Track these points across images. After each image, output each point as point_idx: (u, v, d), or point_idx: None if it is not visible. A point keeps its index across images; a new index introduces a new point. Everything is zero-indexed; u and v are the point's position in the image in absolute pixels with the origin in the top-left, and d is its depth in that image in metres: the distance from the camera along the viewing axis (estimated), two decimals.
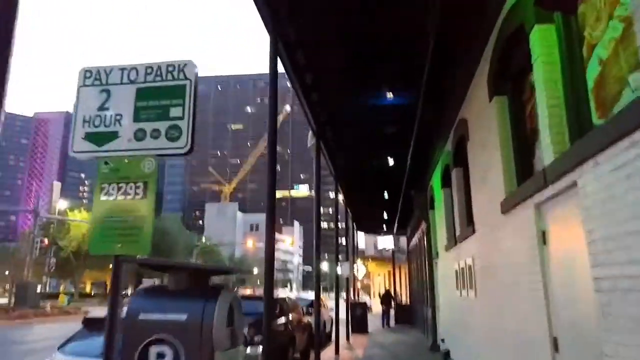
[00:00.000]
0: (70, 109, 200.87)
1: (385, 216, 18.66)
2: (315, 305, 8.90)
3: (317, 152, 9.63)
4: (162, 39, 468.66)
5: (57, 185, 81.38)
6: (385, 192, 14.96)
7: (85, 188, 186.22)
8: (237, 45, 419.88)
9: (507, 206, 4.99)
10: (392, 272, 28.38)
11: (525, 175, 4.75)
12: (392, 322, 23.37)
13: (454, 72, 7.04)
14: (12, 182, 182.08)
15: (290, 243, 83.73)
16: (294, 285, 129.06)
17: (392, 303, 24.43)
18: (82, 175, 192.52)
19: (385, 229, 25.69)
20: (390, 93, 7.87)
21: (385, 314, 22.98)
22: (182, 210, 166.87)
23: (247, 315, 4.86)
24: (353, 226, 22.88)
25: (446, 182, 9.99)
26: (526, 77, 4.74)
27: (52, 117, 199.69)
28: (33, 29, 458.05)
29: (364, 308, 20.45)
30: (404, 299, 27.98)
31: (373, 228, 27.33)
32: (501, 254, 5.40)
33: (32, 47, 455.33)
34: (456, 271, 8.67)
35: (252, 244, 70.24)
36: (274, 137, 5.66)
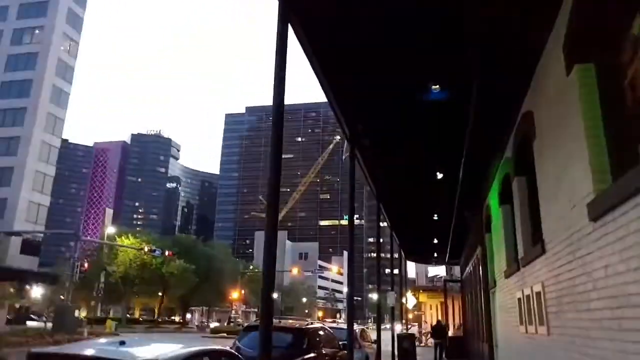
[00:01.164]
0: (128, 139, 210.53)
1: (436, 242, 17.08)
2: (348, 340, 7.59)
3: (351, 163, 8.44)
4: (213, 67, 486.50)
5: (109, 212, 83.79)
6: (435, 215, 13.48)
7: (139, 216, 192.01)
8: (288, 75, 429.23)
9: (599, 209, 3.62)
10: (444, 303, 26.39)
11: (626, 166, 3.39)
12: (443, 357, 21.44)
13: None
14: (73, 209, 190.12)
15: (336, 271, 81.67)
16: (343, 315, 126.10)
17: (445, 335, 22.52)
18: (137, 204, 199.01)
19: (436, 258, 23.93)
20: (437, 86, 6.58)
21: (437, 348, 21.10)
22: (232, 238, 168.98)
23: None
24: (401, 254, 21.38)
25: (505, 198, 8.54)
26: (625, 32, 3.44)
27: (111, 146, 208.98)
28: (91, 61, 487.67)
29: (412, 340, 18.73)
30: (456, 331, 25.98)
31: (423, 257, 25.61)
32: (590, 276, 3.97)
33: (93, 78, 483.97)
34: (519, 301, 7.15)
35: (297, 272, 69.12)
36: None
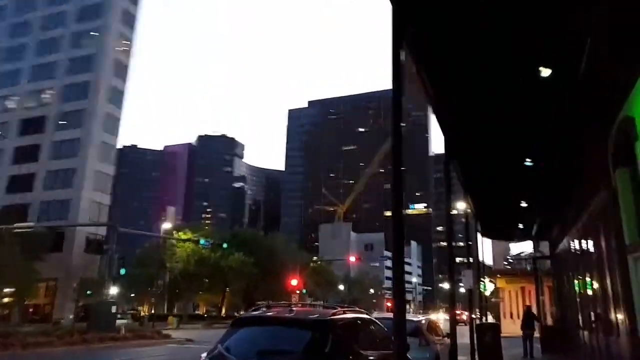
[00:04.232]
0: (194, 141, 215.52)
1: (524, 205, 13.13)
2: (397, 336, 4.05)
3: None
4: (272, 62, 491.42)
5: (170, 209, 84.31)
6: (528, 159, 9.67)
7: (208, 215, 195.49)
8: (346, 65, 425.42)
9: None
10: (535, 286, 21.87)
11: None
12: (535, 352, 17.33)
13: None
14: (147, 212, 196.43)
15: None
16: (412, 306, 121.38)
17: (536, 325, 18.31)
18: (205, 204, 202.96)
19: (520, 232, 19.61)
20: None
21: (527, 340, 17.01)
22: (299, 232, 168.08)
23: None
24: (476, 226, 17.46)
25: None
26: None
27: (178, 149, 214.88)
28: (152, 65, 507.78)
29: (496, 331, 14.80)
30: (549, 320, 21.59)
31: (503, 232, 21.35)
32: None
33: (154, 80, 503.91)
34: None
35: (355, 260, 65.96)
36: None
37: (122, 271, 32.72)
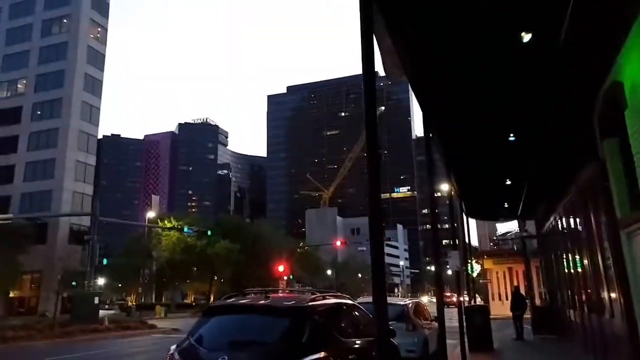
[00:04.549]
0: (176, 130, 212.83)
1: (509, 183, 12.89)
2: (379, 321, 3.70)
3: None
4: (252, 50, 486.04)
5: (155, 198, 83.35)
6: (512, 135, 9.35)
7: (193, 203, 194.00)
8: (325, 50, 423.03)
9: None
10: (525, 266, 21.76)
11: None
12: (526, 333, 17.30)
13: None
14: (131, 202, 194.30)
15: (385, 239, 77.76)
16: (400, 290, 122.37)
17: (526, 306, 18.27)
18: (190, 192, 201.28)
19: (505, 212, 19.48)
20: None
21: (517, 322, 16.97)
22: (285, 218, 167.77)
23: None
24: (461, 207, 17.25)
25: None
26: None
27: (159, 138, 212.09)
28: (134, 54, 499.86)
29: (485, 314, 14.66)
30: (537, 300, 21.61)
31: (489, 213, 21.24)
32: None
33: (135, 70, 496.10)
34: None
35: (341, 244, 66.16)
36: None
37: (105, 261, 32.10)
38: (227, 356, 4.43)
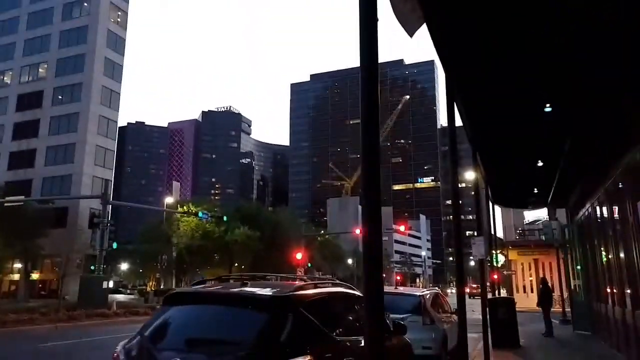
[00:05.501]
0: (199, 118, 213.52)
1: (541, 164, 11.55)
2: (369, 315, 2.64)
3: None
4: (276, 38, 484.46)
5: (176, 185, 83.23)
6: (548, 105, 8.04)
7: (216, 191, 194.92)
8: (349, 38, 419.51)
9: None
10: (557, 257, 20.26)
11: None
12: (558, 329, 16.02)
13: None
14: (155, 189, 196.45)
15: (403, 230, 74.88)
16: (421, 280, 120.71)
17: (553, 299, 16.99)
18: (213, 180, 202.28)
19: (534, 198, 18.05)
20: None
21: (547, 316, 15.72)
22: (307, 207, 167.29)
23: None
24: (487, 192, 15.94)
25: None
26: None
27: (183, 125, 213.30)
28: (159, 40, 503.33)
29: (511, 306, 13.42)
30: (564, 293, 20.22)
31: (516, 200, 19.80)
32: None
33: (162, 60, 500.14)
34: None
35: (360, 232, 64.31)
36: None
37: (114, 245, 31.75)
38: (180, 358, 3.43)
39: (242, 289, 4.07)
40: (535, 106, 7.95)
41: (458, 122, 7.81)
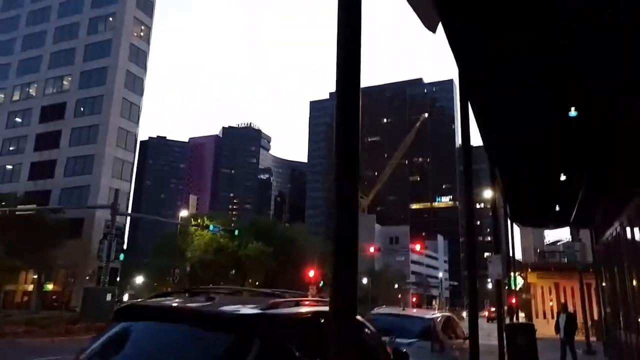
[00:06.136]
0: (220, 133, 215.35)
1: (564, 178, 10.74)
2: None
3: None
4: (296, 55, 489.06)
5: (192, 198, 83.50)
6: (573, 108, 7.32)
7: (234, 206, 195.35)
8: (368, 57, 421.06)
9: None
10: (580, 281, 19.09)
11: None
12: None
13: None
14: (174, 203, 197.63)
15: (419, 249, 73.50)
16: (437, 302, 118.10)
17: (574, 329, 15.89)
18: (231, 195, 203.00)
19: (555, 217, 17.11)
20: None
21: (565, 346, 14.69)
22: (324, 223, 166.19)
23: None
24: (505, 209, 15.10)
25: None
26: None
27: (204, 141, 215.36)
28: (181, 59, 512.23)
29: (531, 334, 12.46)
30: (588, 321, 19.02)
31: (536, 216, 18.87)
32: None
33: (184, 76, 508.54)
34: None
35: (374, 251, 63.35)
36: None
37: (121, 257, 31.41)
38: None
39: (206, 304, 3.43)
40: (558, 110, 7.26)
41: (475, 142, 7.15)
